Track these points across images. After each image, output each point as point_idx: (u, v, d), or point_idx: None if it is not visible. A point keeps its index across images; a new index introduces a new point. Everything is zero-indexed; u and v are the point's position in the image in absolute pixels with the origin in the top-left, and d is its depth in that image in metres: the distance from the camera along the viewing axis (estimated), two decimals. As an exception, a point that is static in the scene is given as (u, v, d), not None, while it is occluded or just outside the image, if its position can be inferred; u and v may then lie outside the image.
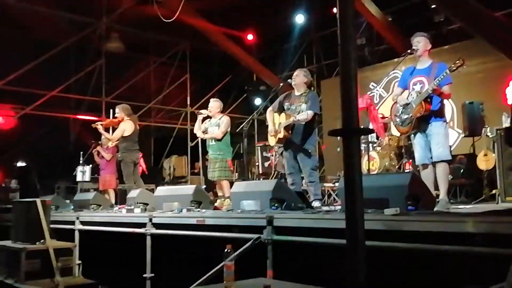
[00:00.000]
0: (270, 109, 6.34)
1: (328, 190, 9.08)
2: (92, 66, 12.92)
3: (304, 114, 5.91)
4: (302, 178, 6.24)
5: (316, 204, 5.68)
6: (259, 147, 11.76)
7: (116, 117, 8.21)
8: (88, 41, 12.96)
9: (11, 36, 11.45)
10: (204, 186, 8.85)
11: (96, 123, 8.25)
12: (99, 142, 9.42)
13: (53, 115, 12.05)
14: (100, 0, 12.08)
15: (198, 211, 5.62)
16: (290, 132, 6.04)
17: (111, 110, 8.79)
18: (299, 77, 6.18)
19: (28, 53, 11.19)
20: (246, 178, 10.51)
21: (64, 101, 12.84)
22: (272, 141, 6.27)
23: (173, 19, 9.91)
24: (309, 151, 6.01)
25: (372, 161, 8.35)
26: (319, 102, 6.10)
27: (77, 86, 13.12)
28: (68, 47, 12.25)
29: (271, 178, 10.06)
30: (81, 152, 9.81)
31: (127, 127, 8.01)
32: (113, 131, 8.41)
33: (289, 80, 6.33)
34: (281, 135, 6.06)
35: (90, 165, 9.75)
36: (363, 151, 8.22)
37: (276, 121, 6.19)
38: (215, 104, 7.40)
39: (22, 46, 11.63)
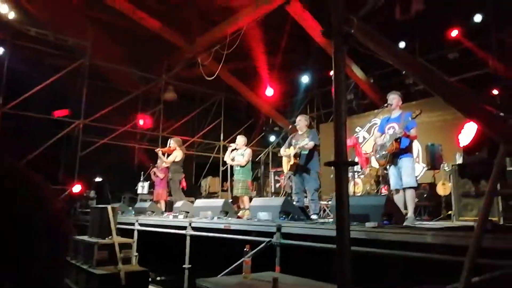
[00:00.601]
0: (283, 148, 6.37)
1: (323, 207, 8.96)
2: (153, 110, 13.07)
3: (306, 141, 5.90)
4: (305, 197, 6.19)
5: (314, 217, 5.63)
6: (272, 172, 11.92)
7: (170, 147, 8.36)
8: (151, 92, 13.21)
9: (99, 86, 11.71)
10: (231, 200, 8.88)
11: (158, 150, 8.50)
12: (155, 165, 9.44)
13: (124, 144, 12.19)
14: (161, 62, 12.40)
15: (226, 219, 5.56)
16: (298, 159, 5.99)
17: (167, 141, 8.89)
18: (302, 121, 6.23)
19: (109, 99, 11.42)
20: (262, 195, 10.83)
21: (132, 134, 12.97)
22: (285, 168, 6.28)
23: (213, 77, 10.09)
24: (313, 175, 5.94)
25: (357, 185, 8.27)
26: (318, 138, 6.19)
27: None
28: (137, 95, 12.48)
29: (281, 196, 9.88)
30: (142, 172, 9.87)
31: (178, 154, 8.17)
32: (167, 157, 8.51)
33: (295, 124, 6.40)
34: (291, 162, 6.01)
35: (148, 182, 9.77)
36: (350, 178, 8.14)
37: (288, 152, 6.22)
38: (241, 140, 7.53)
39: (106, 94, 11.86)
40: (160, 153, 8.40)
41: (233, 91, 13.33)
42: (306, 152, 5.96)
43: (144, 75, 12.57)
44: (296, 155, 6.05)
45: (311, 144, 5.95)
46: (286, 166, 6.20)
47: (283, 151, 6.30)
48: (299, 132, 6.27)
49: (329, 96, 12.53)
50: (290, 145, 6.29)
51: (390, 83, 10.77)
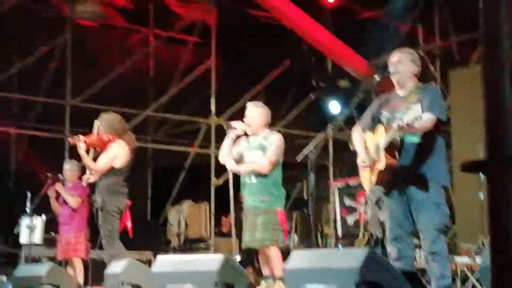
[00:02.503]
0: (357, 126, 3.20)
1: (461, 270, 4.46)
2: (50, 45, 6.45)
3: (415, 110, 2.81)
4: (416, 247, 3.22)
5: None
6: (337, 190, 6.29)
7: (99, 135, 4.05)
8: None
9: None
10: (239, 258, 4.80)
11: (77, 137, 4.00)
12: (60, 176, 4.87)
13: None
14: None
15: None
16: (396, 157, 2.89)
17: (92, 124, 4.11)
18: (404, 64, 3.01)
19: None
20: (313, 245, 5.53)
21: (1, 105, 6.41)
22: (366, 179, 3.08)
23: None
24: (436, 195, 2.87)
25: None
26: (446, 106, 3.12)
27: (23, 80, 6.60)
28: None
29: (358, 246, 5.24)
30: (28, 193, 4.89)
31: (120, 153, 4.01)
32: (94, 157, 4.15)
33: (389, 70, 3.11)
34: (381, 166, 2.90)
35: (43, 216, 5.07)
36: None
37: (370, 144, 3.04)
38: (257, 112, 3.70)
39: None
40: (82, 148, 3.97)
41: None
42: (417, 140, 2.87)
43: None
44: (391, 147, 2.86)
45: (431, 118, 2.79)
46: (368, 176, 3.05)
47: (359, 136, 3.10)
48: (399, 93, 3.05)
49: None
50: (377, 122, 3.08)
51: None
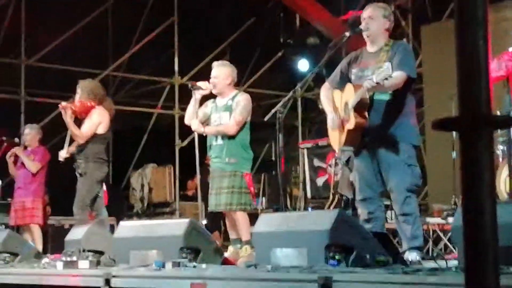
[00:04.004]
0: (326, 84, 3.09)
1: (433, 230, 4.49)
2: (2, 2, 6.20)
3: (385, 68, 2.64)
4: (387, 206, 3.25)
5: (412, 256, 2.75)
6: (305, 151, 5.95)
7: (80, 101, 4.02)
8: None
9: None
10: (205, 222, 4.59)
11: (66, 104, 4.01)
12: (15, 139, 4.76)
13: None
14: None
15: (194, 266, 2.67)
16: (366, 116, 2.79)
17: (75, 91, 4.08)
18: (375, 20, 2.91)
19: None
20: (282, 208, 4.76)
21: None
22: (334, 139, 3.00)
23: None
24: (405, 154, 2.80)
25: None
26: (414, 62, 3.00)
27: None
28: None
29: (328, 207, 4.95)
30: None
31: (103, 118, 4.08)
32: (77, 125, 4.07)
33: (361, 27, 2.99)
34: (350, 125, 2.81)
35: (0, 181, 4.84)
36: (500, 159, 4.04)
37: (339, 103, 2.96)
38: (223, 71, 3.58)
39: None
40: (69, 116, 3.94)
41: None
42: (387, 98, 2.81)
43: None
44: (361, 107, 2.78)
45: (400, 76, 2.74)
46: (337, 136, 2.97)
47: (327, 94, 3.03)
48: (369, 49, 2.97)
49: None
50: (346, 80, 3.01)
51: None
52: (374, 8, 2.97)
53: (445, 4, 5.63)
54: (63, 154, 4.09)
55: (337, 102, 2.94)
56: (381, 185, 2.89)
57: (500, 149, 4.02)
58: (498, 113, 3.37)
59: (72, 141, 4.07)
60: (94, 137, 4.02)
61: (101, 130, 4.08)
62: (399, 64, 2.75)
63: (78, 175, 4.00)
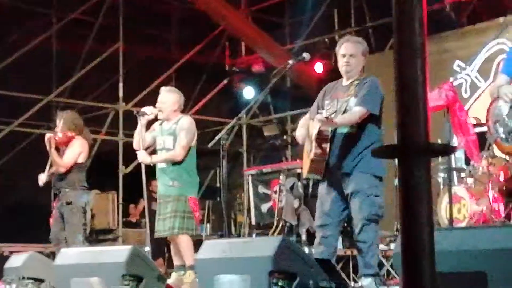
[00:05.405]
0: (306, 115, 3.14)
1: (379, 256, 4.24)
2: None
3: (350, 101, 2.79)
4: (342, 232, 3.26)
5: (365, 282, 2.85)
6: (250, 177, 5.93)
7: (65, 133, 4.24)
8: None
9: None
10: (148, 248, 4.45)
11: (50, 136, 4.23)
12: None
13: None
14: None
15: None
16: (324, 148, 2.83)
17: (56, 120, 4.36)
18: (356, 58, 2.91)
19: None
20: (226, 235, 4.86)
21: None
22: (305, 166, 3.06)
23: None
24: (367, 184, 2.85)
25: (459, 203, 3.90)
26: (381, 98, 2.91)
27: None
28: None
29: (272, 234, 5.02)
30: None
31: (83, 148, 4.31)
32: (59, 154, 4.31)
33: (304, 55, 3.11)
34: (311, 155, 2.87)
35: None
36: (441, 186, 4.17)
37: (312, 133, 3.00)
38: (171, 97, 3.63)
39: None
40: (52, 145, 4.16)
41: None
42: (348, 130, 2.88)
43: None
44: (321, 138, 2.82)
45: (357, 111, 2.84)
46: (307, 163, 3.03)
47: (302, 124, 3.09)
48: (344, 81, 3.02)
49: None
50: (317, 110, 3.07)
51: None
52: (354, 44, 2.96)
53: (388, 35, 5.62)
54: (43, 178, 4.26)
55: (310, 132, 2.99)
56: (340, 214, 2.94)
57: (441, 176, 4.14)
58: (439, 141, 3.48)
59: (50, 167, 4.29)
60: (76, 165, 4.26)
61: (82, 159, 4.34)
62: (362, 100, 2.82)
63: (64, 204, 4.17)
